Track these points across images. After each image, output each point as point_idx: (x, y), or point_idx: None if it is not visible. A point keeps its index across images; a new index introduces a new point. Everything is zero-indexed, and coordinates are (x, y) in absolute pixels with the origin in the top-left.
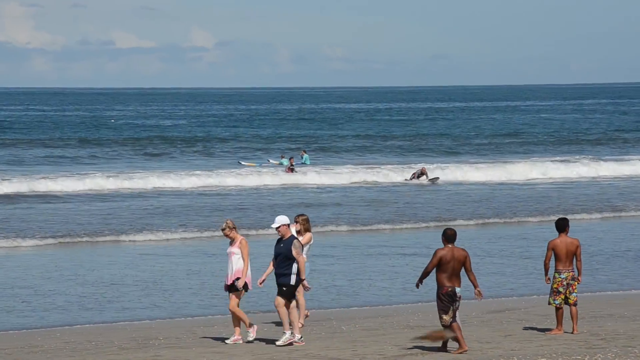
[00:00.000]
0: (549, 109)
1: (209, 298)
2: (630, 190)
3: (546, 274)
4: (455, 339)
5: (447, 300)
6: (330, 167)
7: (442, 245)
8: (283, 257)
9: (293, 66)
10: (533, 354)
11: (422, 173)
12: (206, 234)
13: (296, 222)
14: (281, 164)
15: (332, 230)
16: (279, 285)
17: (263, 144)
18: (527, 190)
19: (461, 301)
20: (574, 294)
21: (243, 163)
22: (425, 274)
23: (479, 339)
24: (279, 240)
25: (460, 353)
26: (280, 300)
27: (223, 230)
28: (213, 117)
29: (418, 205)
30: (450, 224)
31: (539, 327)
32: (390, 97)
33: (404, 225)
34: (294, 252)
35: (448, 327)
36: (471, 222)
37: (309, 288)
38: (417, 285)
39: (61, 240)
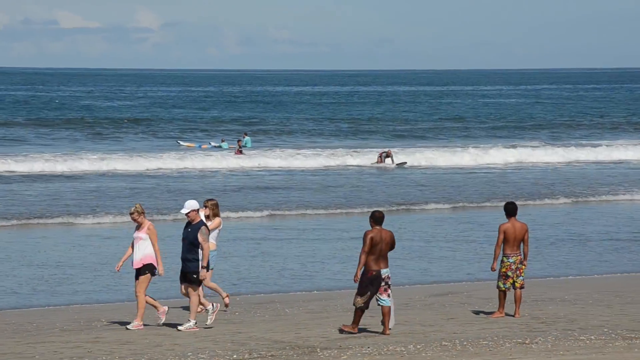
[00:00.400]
0: (495, 94)
1: (161, 281)
2: (598, 175)
3: (495, 260)
4: (382, 321)
5: (369, 283)
6: (284, 150)
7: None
8: (188, 242)
9: (240, 48)
10: (475, 337)
11: (387, 155)
12: (157, 217)
13: (205, 206)
14: (220, 147)
15: (282, 214)
16: (187, 272)
17: (208, 126)
18: (484, 175)
19: (401, 285)
20: (521, 277)
21: (182, 143)
22: (364, 261)
23: (422, 322)
24: (188, 224)
25: (345, 331)
26: (185, 289)
27: (132, 214)
28: (158, 99)
29: (380, 187)
30: (411, 207)
31: (481, 310)
32: (336, 80)
33: (358, 210)
34: (200, 239)
35: (360, 310)
36: (441, 206)
37: (203, 278)
38: (356, 279)
39: (7, 223)
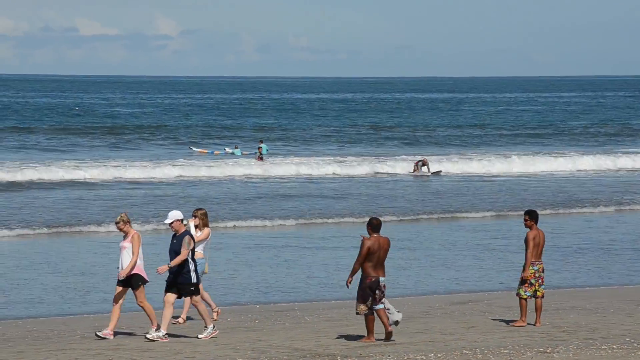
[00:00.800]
0: (515, 101)
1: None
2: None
3: (528, 267)
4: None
5: (369, 290)
6: (310, 157)
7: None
8: (175, 254)
9: (258, 55)
10: (496, 345)
11: (423, 164)
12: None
13: (195, 216)
14: (233, 153)
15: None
16: (170, 283)
17: (225, 133)
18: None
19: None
20: (543, 286)
21: (194, 149)
22: (357, 268)
23: (442, 330)
24: (173, 236)
25: (365, 342)
26: (170, 297)
27: (117, 223)
28: (177, 106)
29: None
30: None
31: (502, 318)
32: (355, 88)
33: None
34: (182, 247)
35: (364, 316)
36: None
37: (160, 272)
38: (348, 284)
39: (32, 231)
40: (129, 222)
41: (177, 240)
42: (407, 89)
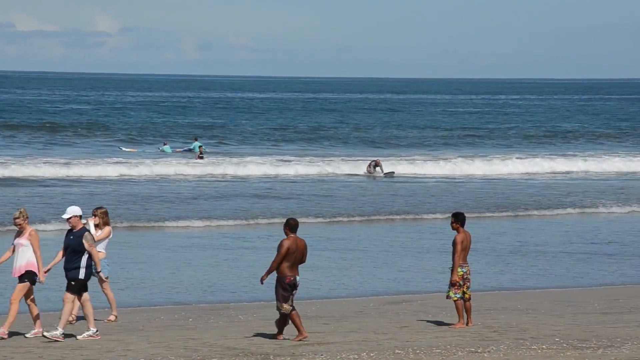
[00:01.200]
0: (456, 102)
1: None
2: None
3: (456, 270)
4: (279, 323)
5: (289, 289)
6: (265, 157)
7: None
8: (71, 250)
9: (198, 54)
10: (428, 345)
11: (376, 165)
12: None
13: (95, 215)
14: (163, 151)
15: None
16: (68, 279)
17: (162, 131)
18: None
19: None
20: (469, 289)
21: (124, 149)
22: (275, 268)
23: (376, 330)
24: (69, 232)
25: (300, 340)
26: (69, 296)
27: (16, 219)
28: (114, 104)
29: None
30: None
31: (434, 319)
32: (297, 87)
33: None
34: (85, 245)
35: (286, 315)
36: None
37: (105, 280)
38: (263, 281)
39: None
40: (27, 218)
41: (73, 237)
42: (348, 89)
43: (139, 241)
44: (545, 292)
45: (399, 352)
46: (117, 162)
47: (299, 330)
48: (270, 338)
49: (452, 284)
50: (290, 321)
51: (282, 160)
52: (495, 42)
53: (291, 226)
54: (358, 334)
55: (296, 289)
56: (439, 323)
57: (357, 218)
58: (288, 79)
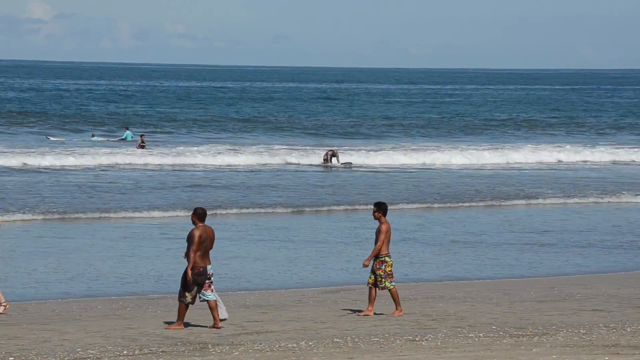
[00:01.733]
0: (384, 92)
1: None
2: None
3: (372, 257)
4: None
5: (197, 279)
6: (209, 146)
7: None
8: None
9: (134, 42)
10: (366, 333)
11: (333, 155)
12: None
13: None
14: (92, 141)
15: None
16: None
17: (95, 120)
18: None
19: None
20: (393, 283)
21: (51, 138)
22: (194, 259)
23: (314, 318)
24: None
25: (217, 328)
26: None
27: None
28: (48, 92)
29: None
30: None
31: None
32: (236, 76)
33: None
34: None
35: (186, 305)
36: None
37: None
38: (190, 277)
39: None
40: None
41: None
42: (287, 78)
43: (77, 232)
44: (483, 283)
45: (338, 340)
46: (60, 152)
47: (214, 318)
48: (210, 327)
49: (387, 275)
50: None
51: (230, 150)
52: (434, 32)
53: (199, 215)
54: (297, 323)
55: (210, 279)
56: (378, 312)
57: (307, 208)
58: (225, 67)
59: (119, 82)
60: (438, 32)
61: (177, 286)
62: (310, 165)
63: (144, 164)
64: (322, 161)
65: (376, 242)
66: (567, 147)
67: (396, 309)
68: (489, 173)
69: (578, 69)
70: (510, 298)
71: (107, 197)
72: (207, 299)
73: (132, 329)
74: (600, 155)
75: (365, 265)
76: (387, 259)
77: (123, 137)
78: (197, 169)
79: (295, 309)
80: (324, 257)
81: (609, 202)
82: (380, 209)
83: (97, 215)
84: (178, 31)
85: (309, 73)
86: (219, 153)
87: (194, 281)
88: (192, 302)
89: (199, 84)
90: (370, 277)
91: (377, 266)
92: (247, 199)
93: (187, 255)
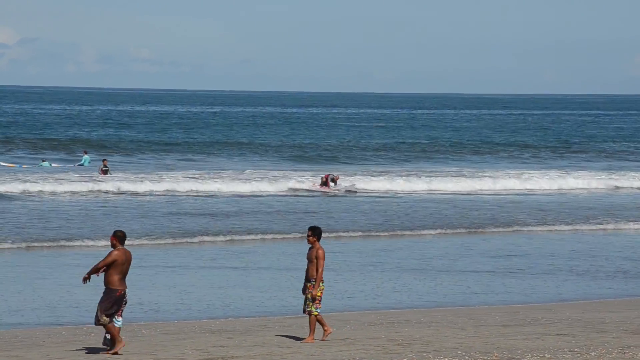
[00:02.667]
0: (356, 116)
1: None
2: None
3: (318, 285)
4: (111, 339)
5: (115, 302)
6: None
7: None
8: None
9: (98, 66)
10: (332, 358)
11: (333, 180)
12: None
13: None
14: (41, 166)
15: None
16: None
17: (52, 145)
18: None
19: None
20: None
21: (2, 164)
22: (96, 270)
23: (280, 343)
24: None
25: (115, 353)
26: None
27: None
28: (10, 116)
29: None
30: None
31: (338, 332)
32: (203, 100)
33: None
34: None
35: (104, 325)
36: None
37: None
38: (85, 280)
39: None
40: None
41: None
42: (255, 103)
43: (36, 261)
44: (448, 309)
45: None
46: (17, 179)
47: (115, 341)
48: (110, 354)
49: (313, 299)
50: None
51: (202, 176)
52: (398, 57)
53: (119, 237)
54: (262, 348)
55: (125, 303)
56: (344, 337)
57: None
58: (191, 92)
59: (82, 106)
60: (402, 57)
61: (144, 314)
62: (300, 190)
63: (107, 191)
64: (319, 185)
65: (314, 267)
66: (535, 174)
67: (309, 335)
68: (449, 198)
69: (542, 94)
70: (476, 322)
71: (76, 223)
72: (117, 325)
73: (96, 355)
74: (549, 182)
75: (314, 295)
76: (320, 284)
77: (81, 162)
78: (164, 195)
79: (260, 334)
80: (293, 283)
81: (574, 229)
82: (315, 233)
83: (61, 243)
84: (143, 55)
85: (274, 97)
86: (193, 178)
87: (113, 303)
88: (112, 321)
89: (162, 109)
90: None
91: (309, 289)
92: (217, 227)
93: (106, 279)
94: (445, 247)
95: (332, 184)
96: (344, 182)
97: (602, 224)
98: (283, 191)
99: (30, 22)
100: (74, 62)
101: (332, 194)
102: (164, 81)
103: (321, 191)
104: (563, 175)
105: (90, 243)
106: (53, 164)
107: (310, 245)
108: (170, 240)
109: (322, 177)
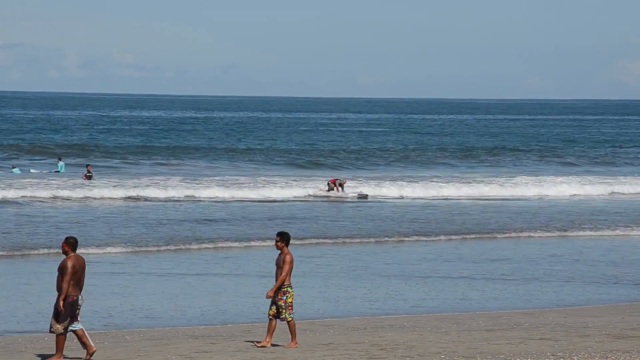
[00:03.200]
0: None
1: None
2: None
3: (276, 288)
4: (82, 343)
5: (70, 309)
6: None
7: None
8: None
9: (82, 71)
10: None
11: (341, 184)
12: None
13: None
14: (12, 172)
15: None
16: None
17: (29, 151)
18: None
19: None
20: (292, 314)
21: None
22: (67, 289)
23: (263, 348)
24: None
25: (91, 355)
26: None
27: None
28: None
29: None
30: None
31: (321, 337)
32: (188, 105)
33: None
34: None
35: (64, 336)
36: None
37: None
38: (61, 309)
39: None
40: None
41: None
42: (244, 108)
43: (20, 268)
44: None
45: None
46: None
47: (57, 351)
48: (85, 358)
49: (288, 305)
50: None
51: (184, 182)
52: (382, 62)
53: (71, 244)
54: (245, 354)
55: (79, 309)
56: (327, 342)
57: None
58: (175, 97)
59: (65, 112)
60: (385, 62)
61: (120, 318)
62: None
63: (96, 198)
64: (326, 190)
65: (281, 273)
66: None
67: (292, 340)
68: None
69: (526, 99)
70: (459, 327)
71: (64, 231)
72: (74, 329)
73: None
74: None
75: (269, 297)
76: (289, 289)
77: (57, 169)
78: (154, 203)
79: (244, 338)
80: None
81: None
82: (284, 238)
83: (46, 251)
84: (127, 60)
85: (260, 102)
86: (184, 184)
87: (66, 311)
88: (65, 333)
89: (147, 114)
90: (271, 309)
91: (279, 297)
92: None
93: (59, 285)
94: (425, 252)
95: (340, 188)
96: (352, 188)
97: (584, 229)
98: (296, 197)
99: (13, 27)
100: (57, 67)
101: (343, 199)
102: (148, 86)
103: (336, 196)
104: (541, 181)
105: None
106: (32, 170)
107: (280, 251)
108: (154, 248)
109: (328, 182)
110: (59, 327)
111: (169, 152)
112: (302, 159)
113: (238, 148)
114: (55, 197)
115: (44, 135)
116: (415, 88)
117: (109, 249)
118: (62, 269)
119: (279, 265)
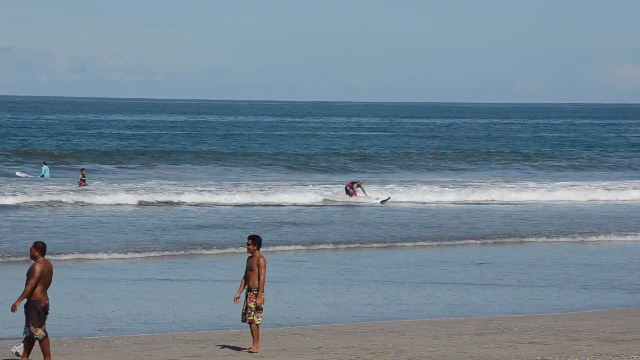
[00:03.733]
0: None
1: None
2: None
3: (261, 293)
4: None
5: (44, 314)
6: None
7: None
8: None
9: (72, 75)
10: None
11: (358, 185)
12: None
13: None
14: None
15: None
16: None
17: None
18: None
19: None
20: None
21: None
22: (29, 292)
23: (255, 355)
24: None
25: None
26: None
27: None
28: None
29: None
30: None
31: (311, 341)
32: (177, 109)
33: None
34: None
35: (34, 340)
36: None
37: None
38: (15, 308)
39: None
40: None
41: None
42: (232, 112)
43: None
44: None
45: None
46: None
47: (46, 355)
48: None
49: (257, 309)
50: (38, 347)
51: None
52: (370, 66)
53: (40, 249)
54: (236, 358)
55: (47, 314)
56: (317, 346)
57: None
58: (166, 101)
59: (55, 115)
60: (374, 66)
61: (111, 323)
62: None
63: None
64: (349, 195)
65: (259, 277)
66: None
67: (253, 343)
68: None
69: (513, 103)
70: (449, 331)
71: (60, 235)
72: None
73: None
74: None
75: (258, 305)
76: (258, 292)
77: (42, 173)
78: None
79: (234, 343)
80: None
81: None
82: (255, 242)
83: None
84: (117, 64)
85: (253, 106)
86: (190, 189)
87: (42, 315)
88: (47, 336)
89: (138, 118)
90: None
91: (251, 298)
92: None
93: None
94: (417, 257)
95: (358, 189)
96: (374, 193)
97: (575, 235)
98: (313, 202)
99: (2, 31)
100: (46, 71)
101: (367, 202)
102: (138, 90)
103: (357, 202)
104: (537, 186)
105: (77, 256)
106: (18, 173)
107: (250, 254)
108: (158, 254)
109: (346, 187)
110: (41, 332)
111: (163, 156)
112: (313, 163)
113: (224, 152)
114: (50, 201)
115: (35, 138)
116: (403, 93)
117: (101, 255)
118: (30, 273)
119: (252, 268)
